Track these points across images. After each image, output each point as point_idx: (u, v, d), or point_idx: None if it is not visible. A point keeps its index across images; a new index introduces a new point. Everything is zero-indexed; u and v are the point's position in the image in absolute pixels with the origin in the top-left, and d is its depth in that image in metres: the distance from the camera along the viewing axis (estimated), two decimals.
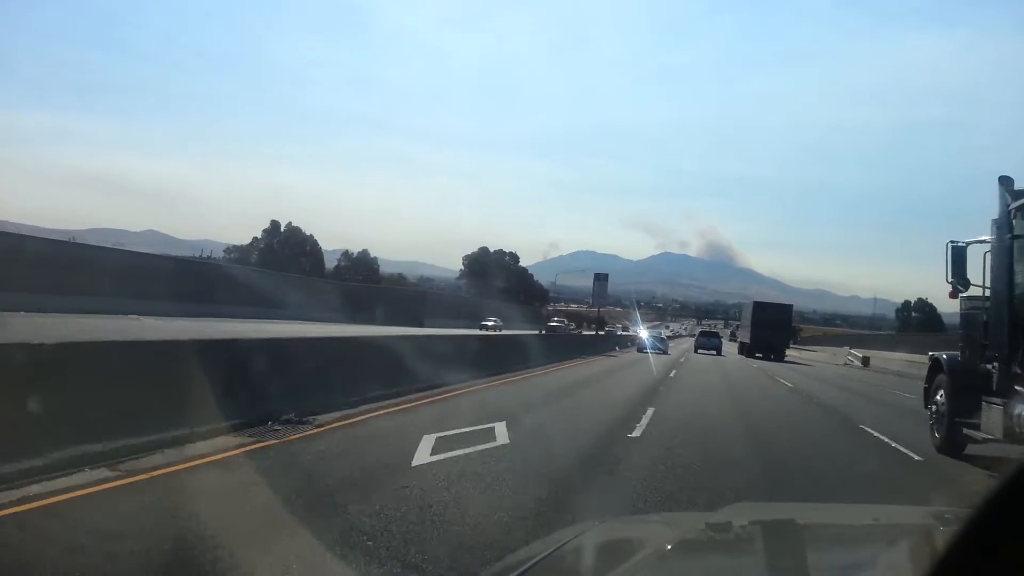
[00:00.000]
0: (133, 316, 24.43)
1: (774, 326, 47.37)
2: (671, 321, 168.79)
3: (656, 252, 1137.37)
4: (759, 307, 51.54)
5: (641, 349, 42.80)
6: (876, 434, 11.47)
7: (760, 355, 45.22)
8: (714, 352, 47.13)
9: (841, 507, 3.96)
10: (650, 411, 11.82)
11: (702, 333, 57.16)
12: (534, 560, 1.78)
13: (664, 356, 37.66)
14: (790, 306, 55.62)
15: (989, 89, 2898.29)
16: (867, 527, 2.33)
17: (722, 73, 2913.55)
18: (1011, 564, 0.81)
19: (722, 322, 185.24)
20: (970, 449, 8.90)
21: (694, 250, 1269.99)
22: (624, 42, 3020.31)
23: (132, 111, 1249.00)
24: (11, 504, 4.50)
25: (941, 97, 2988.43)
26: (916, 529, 2.15)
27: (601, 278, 41.55)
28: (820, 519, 2.61)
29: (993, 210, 7.98)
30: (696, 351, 48.52)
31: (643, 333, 52.22)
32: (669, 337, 73.01)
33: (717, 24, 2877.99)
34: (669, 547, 2.05)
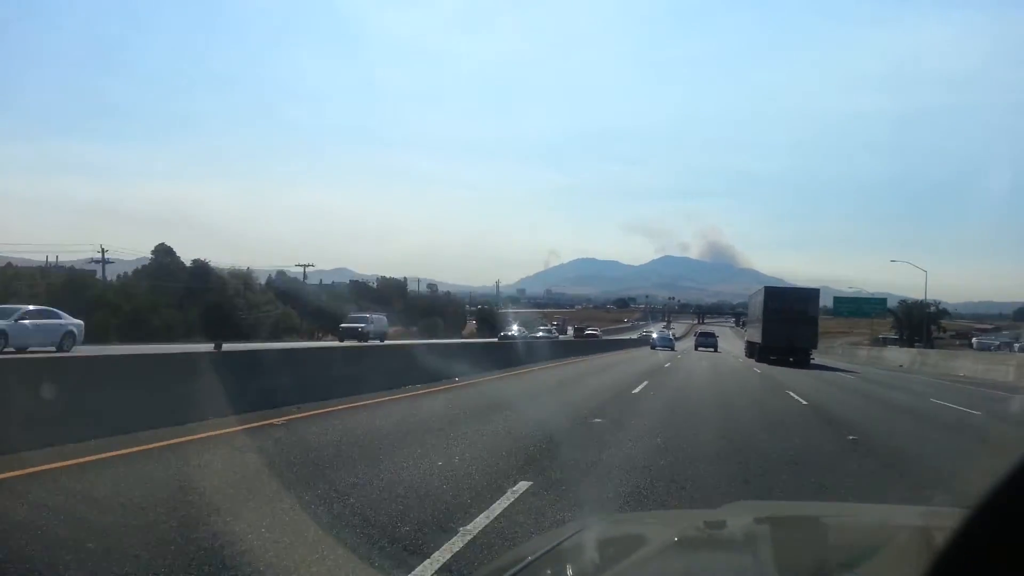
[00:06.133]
0: None
1: (795, 319, 35.50)
2: (655, 322, 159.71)
3: (656, 256, 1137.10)
4: (773, 295, 38.63)
5: (653, 346, 55.72)
6: None
7: (774, 358, 35.40)
8: (712, 349, 55.14)
9: (840, 506, 4.05)
10: None
11: (700, 333, 66.03)
12: (533, 557, 1.78)
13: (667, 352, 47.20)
14: (816, 291, 40.08)
15: (995, 70, 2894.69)
16: (866, 526, 2.33)
17: (719, 68, 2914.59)
18: (1011, 563, 0.79)
19: (733, 319, 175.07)
20: None
21: (695, 252, 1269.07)
22: (619, 41, 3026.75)
23: (136, 135, 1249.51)
24: None
25: (945, 82, 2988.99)
26: (916, 528, 2.14)
27: None
28: (819, 518, 2.63)
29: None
30: (696, 349, 56.80)
31: (654, 333, 67.54)
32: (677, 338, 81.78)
33: (713, 18, 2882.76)
34: (668, 545, 2.04)
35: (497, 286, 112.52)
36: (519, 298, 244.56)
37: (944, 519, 1.91)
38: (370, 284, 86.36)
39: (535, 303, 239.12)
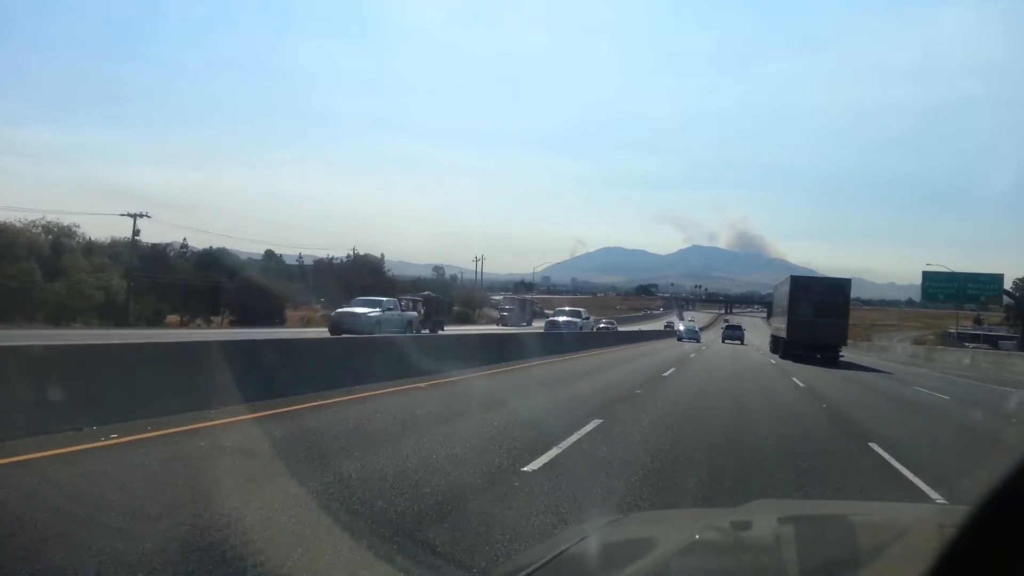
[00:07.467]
0: None
1: (823, 311, 32.31)
2: (672, 310, 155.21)
3: (685, 246, 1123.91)
4: (799, 285, 35.24)
5: (680, 338, 54.84)
6: None
7: (801, 353, 32.13)
8: (738, 342, 56.62)
9: (860, 504, 4.10)
10: None
11: (728, 326, 67.59)
12: (553, 554, 1.77)
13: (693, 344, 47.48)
14: (847, 281, 35.82)
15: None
16: (889, 524, 2.33)
17: (746, 56, 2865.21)
18: (1012, 562, 0.80)
19: (764, 310, 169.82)
20: None
21: (724, 242, 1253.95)
22: (642, 27, 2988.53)
23: (147, 121, 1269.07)
24: None
25: (975, 73, 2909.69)
26: (937, 525, 2.13)
27: None
28: (837, 516, 2.64)
29: None
30: (723, 341, 57.41)
31: (680, 325, 66.95)
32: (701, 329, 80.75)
33: (737, 4, 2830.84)
34: (689, 543, 2.03)
35: (479, 263, 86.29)
36: (543, 285, 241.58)
37: (952, 517, 1.88)
38: (340, 260, 73.04)
39: (557, 290, 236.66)
